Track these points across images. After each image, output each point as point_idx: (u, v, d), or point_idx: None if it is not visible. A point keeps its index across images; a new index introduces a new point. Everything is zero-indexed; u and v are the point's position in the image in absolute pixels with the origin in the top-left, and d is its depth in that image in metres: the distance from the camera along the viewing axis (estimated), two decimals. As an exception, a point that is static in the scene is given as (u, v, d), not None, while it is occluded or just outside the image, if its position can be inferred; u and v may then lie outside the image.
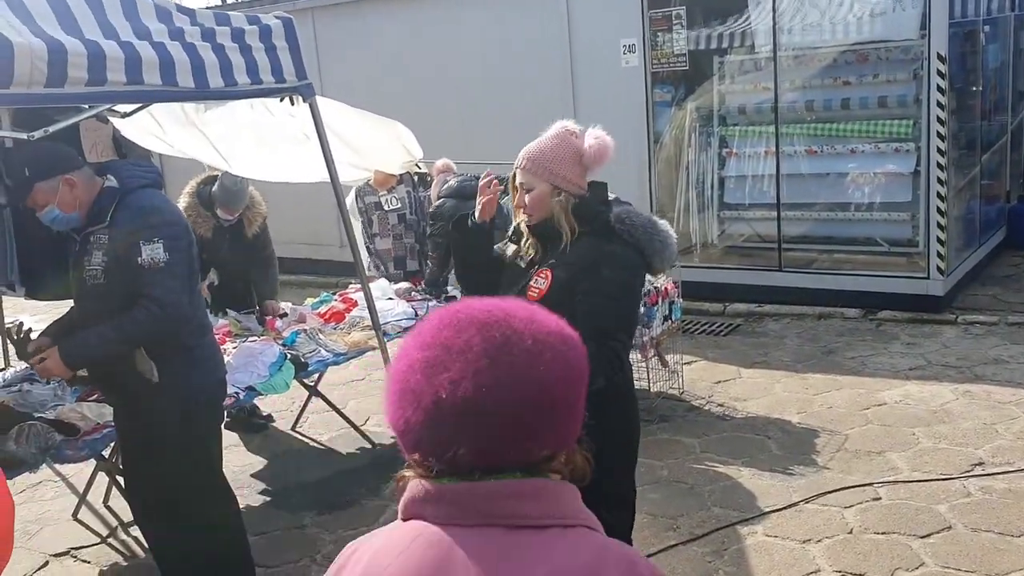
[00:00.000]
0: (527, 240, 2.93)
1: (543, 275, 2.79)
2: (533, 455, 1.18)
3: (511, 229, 2.99)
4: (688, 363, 6.34)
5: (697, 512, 4.50)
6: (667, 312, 5.75)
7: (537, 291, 2.75)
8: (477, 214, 2.99)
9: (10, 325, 3.33)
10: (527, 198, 2.82)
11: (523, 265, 2.92)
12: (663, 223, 2.84)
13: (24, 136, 3.21)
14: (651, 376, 5.84)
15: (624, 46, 7.96)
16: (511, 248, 3.02)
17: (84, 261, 3.17)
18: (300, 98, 4.28)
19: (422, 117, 6.85)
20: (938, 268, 7.08)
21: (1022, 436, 5.00)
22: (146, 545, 4.48)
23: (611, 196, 2.92)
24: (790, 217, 7.74)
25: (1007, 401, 5.47)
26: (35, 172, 3.13)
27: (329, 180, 4.61)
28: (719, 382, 6.25)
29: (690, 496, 4.66)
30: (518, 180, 2.84)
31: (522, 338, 1.18)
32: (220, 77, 3.82)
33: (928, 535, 4.07)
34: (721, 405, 5.83)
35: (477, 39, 8.55)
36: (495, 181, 2.98)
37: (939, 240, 7.02)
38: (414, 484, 1.21)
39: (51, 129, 3.26)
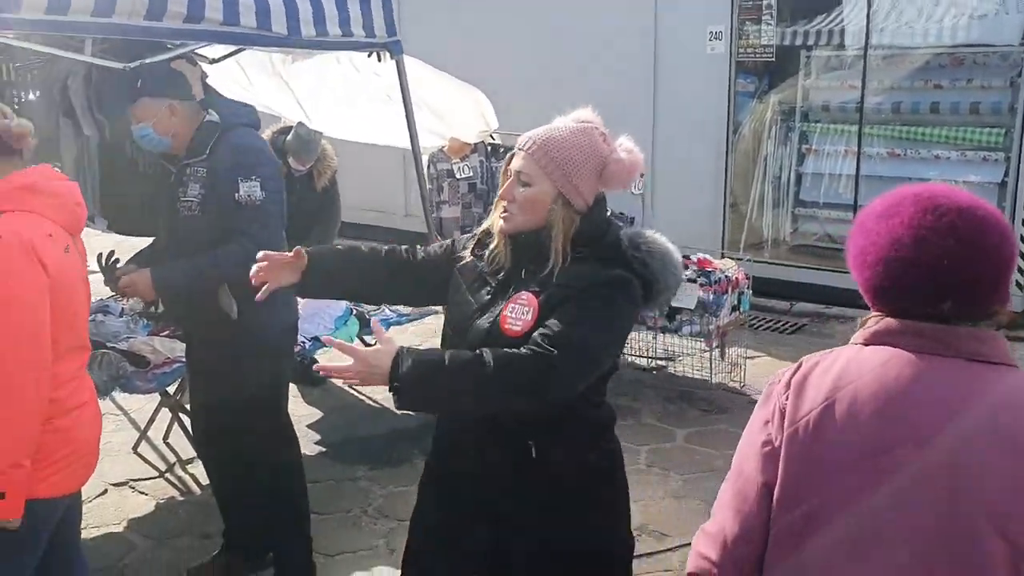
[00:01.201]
0: (496, 245, 2.22)
1: (524, 301, 2.10)
2: (991, 310, 1.55)
3: (480, 228, 2.33)
4: (751, 358, 6.24)
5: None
6: (736, 302, 5.66)
7: (520, 324, 2.06)
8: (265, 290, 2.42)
9: (100, 252, 3.39)
10: (520, 193, 2.14)
11: (487, 284, 2.21)
12: (677, 254, 2.22)
13: (119, 66, 3.26)
14: (713, 366, 5.77)
15: (710, 33, 7.83)
16: (467, 251, 2.31)
17: (180, 192, 3.22)
18: (388, 55, 4.30)
19: (500, 89, 6.80)
20: (1017, 283, 6.85)
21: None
22: (202, 483, 4.60)
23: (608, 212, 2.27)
24: (867, 220, 7.55)
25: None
26: (147, 86, 3.19)
27: (404, 144, 4.62)
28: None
29: (745, 488, 4.59)
30: (516, 166, 2.17)
31: (983, 218, 1.53)
32: (312, 26, 3.84)
33: None
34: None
35: (562, 13, 8.48)
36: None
37: (1022, 255, 6.79)
38: (889, 321, 1.58)
39: (146, 61, 3.30)
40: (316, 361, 5.88)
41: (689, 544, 4.00)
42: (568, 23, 8.41)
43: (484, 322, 2.14)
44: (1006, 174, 6.94)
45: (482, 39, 8.80)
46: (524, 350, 1.99)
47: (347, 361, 1.96)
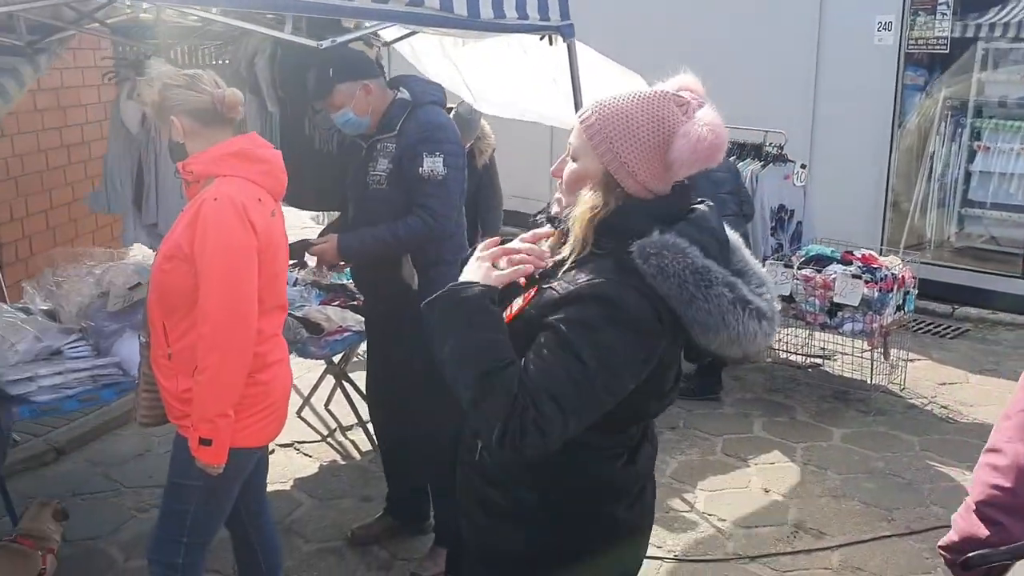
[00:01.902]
0: (554, 234, 1.92)
1: (527, 292, 1.86)
2: None
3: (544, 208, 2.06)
4: (911, 360, 5.99)
5: (915, 508, 4.26)
6: (900, 302, 5.44)
7: (508, 313, 1.84)
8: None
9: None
10: (568, 169, 1.85)
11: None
12: (728, 283, 1.71)
13: (314, 44, 3.40)
14: (873, 367, 5.57)
15: (879, 23, 7.52)
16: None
17: (369, 166, 3.36)
18: (560, 38, 4.33)
19: (655, 77, 6.74)
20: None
21: None
22: (361, 449, 4.78)
23: (696, 206, 1.84)
24: (1043, 223, 7.13)
25: None
26: (339, 73, 3.32)
27: (568, 126, 4.63)
28: (944, 384, 5.88)
29: (907, 491, 4.42)
30: (571, 138, 1.86)
31: None
32: (491, 8, 3.90)
33: None
34: (945, 407, 5.49)
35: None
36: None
37: None
38: None
39: (339, 40, 3.44)
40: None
41: (849, 544, 3.91)
42: (727, 7, 8.24)
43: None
44: None
45: (640, 26, 8.72)
46: (519, 394, 1.67)
47: None
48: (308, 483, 4.43)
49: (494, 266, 1.84)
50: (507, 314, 1.83)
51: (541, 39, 4.37)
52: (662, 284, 1.68)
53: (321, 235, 3.65)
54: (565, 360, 1.68)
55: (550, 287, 1.77)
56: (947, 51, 7.38)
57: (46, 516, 3.39)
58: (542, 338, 1.72)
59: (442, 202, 3.29)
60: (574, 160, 1.83)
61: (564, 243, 1.83)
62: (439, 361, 1.82)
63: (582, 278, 1.73)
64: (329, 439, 4.90)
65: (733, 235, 1.90)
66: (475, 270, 1.83)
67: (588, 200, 1.75)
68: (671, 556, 3.85)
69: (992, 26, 7.30)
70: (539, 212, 1.98)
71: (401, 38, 4.82)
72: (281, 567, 3.08)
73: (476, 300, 1.77)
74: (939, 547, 1.82)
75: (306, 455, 4.71)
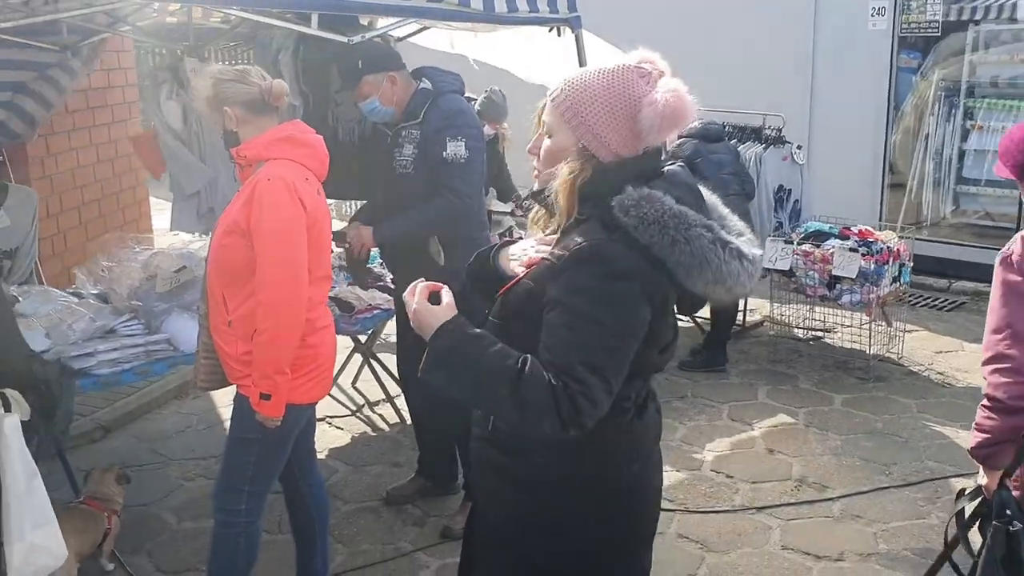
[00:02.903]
0: (536, 212, 2.10)
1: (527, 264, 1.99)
2: None
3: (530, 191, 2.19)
4: (909, 332, 6.27)
5: (911, 463, 4.55)
6: (896, 274, 5.71)
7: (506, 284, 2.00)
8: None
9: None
10: (544, 145, 1.98)
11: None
12: (705, 225, 1.83)
13: (344, 39, 3.69)
14: (872, 337, 5.84)
15: (873, 8, 7.79)
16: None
17: (395, 153, 3.64)
18: (568, 29, 4.59)
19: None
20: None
21: None
22: (389, 422, 5.07)
23: (667, 166, 1.96)
24: (1035, 197, 7.39)
25: None
26: (367, 65, 3.62)
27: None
28: (940, 352, 6.15)
29: (904, 449, 4.71)
30: (544, 116, 1.99)
31: None
32: (504, 2, 4.17)
33: None
34: (941, 373, 5.77)
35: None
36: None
37: None
38: None
39: (368, 36, 3.72)
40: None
41: (849, 495, 4.17)
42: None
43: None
44: None
45: (643, 17, 8.95)
46: (551, 378, 1.76)
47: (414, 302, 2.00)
48: (342, 452, 4.72)
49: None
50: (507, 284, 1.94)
51: (550, 31, 4.63)
52: (644, 232, 1.78)
53: (350, 222, 3.93)
54: (584, 328, 1.77)
55: (545, 257, 1.88)
56: (939, 34, 7.65)
57: (109, 480, 3.68)
58: (553, 316, 1.81)
59: (465, 183, 3.57)
60: (549, 136, 1.95)
61: (539, 219, 2.04)
62: (470, 405, 2.01)
63: (572, 244, 1.83)
64: (358, 414, 5.20)
65: (710, 195, 2.01)
66: (425, 316, 1.92)
67: (566, 170, 1.86)
68: (682, 508, 4.13)
69: (982, 8, 7.55)
70: (527, 196, 2.13)
71: (413, 34, 5.09)
72: (329, 518, 3.37)
73: (453, 335, 1.86)
74: (971, 449, 2.50)
75: (338, 428, 5.01)
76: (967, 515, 2.61)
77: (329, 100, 4.49)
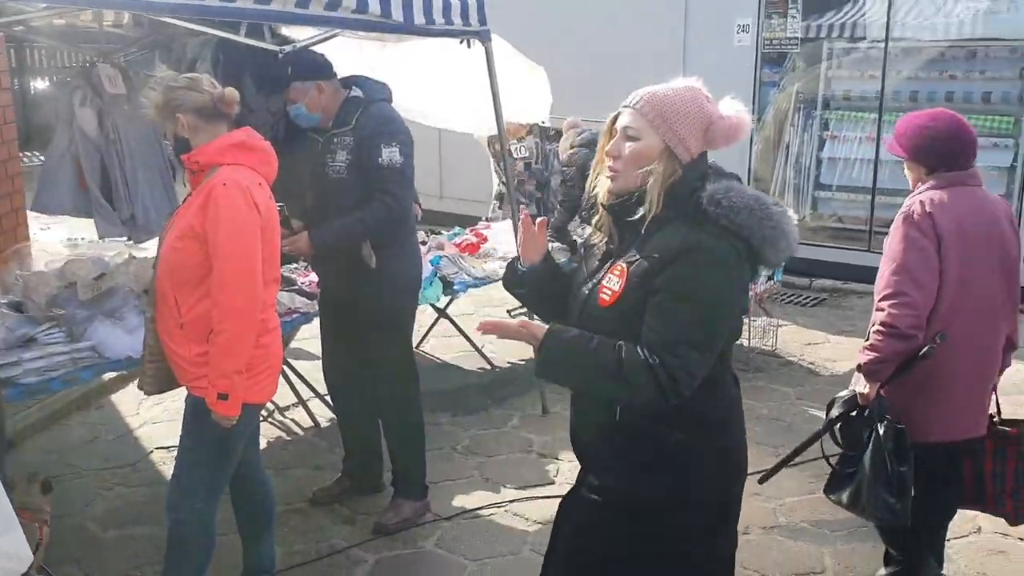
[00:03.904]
0: (599, 219, 2.30)
1: (617, 271, 2.16)
2: None
3: (584, 200, 2.54)
4: (781, 326, 6.78)
5: (795, 444, 4.95)
6: (771, 272, 6.20)
7: (610, 294, 2.15)
8: (522, 258, 2.44)
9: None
10: (627, 147, 2.17)
11: (596, 256, 2.30)
12: (776, 203, 2.16)
13: (277, 49, 3.77)
14: (750, 332, 6.30)
15: (738, 26, 8.38)
16: (588, 233, 2.43)
17: (328, 159, 3.75)
18: (478, 42, 4.80)
19: (550, 70, 7.26)
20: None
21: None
22: (303, 426, 5.13)
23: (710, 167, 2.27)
24: (884, 202, 8.11)
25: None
26: (296, 72, 3.72)
27: (480, 130, 5.08)
28: (809, 344, 6.70)
29: (790, 432, 5.14)
30: (623, 122, 2.19)
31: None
32: (423, 15, 4.35)
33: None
34: (812, 363, 6.29)
35: (600, 5, 8.97)
36: (541, 220, 2.42)
37: (1029, 233, 7.36)
38: (956, 174, 3.13)
39: (298, 44, 3.81)
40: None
41: (754, 472, 4.48)
42: (607, 14, 8.91)
43: (585, 290, 2.24)
44: (1015, 159, 7.51)
45: (535, 30, 9.23)
46: (650, 357, 2.02)
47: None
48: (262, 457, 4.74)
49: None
50: (610, 294, 2.14)
51: (461, 42, 4.83)
52: (736, 217, 2.07)
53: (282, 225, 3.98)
54: (685, 310, 2.04)
55: (642, 257, 2.12)
56: (798, 50, 8.30)
57: (35, 490, 3.58)
58: (659, 301, 2.06)
59: (401, 187, 3.73)
60: (635, 140, 2.16)
61: (603, 225, 2.27)
62: (584, 392, 2.28)
63: (669, 241, 2.08)
64: (270, 420, 5.22)
65: None
66: (529, 330, 2.14)
67: (662, 171, 2.13)
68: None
69: (839, 27, 8.25)
70: (583, 209, 2.34)
71: (319, 41, 5.17)
72: (275, 515, 3.44)
73: (558, 341, 2.11)
74: (862, 365, 3.11)
75: (253, 433, 5.01)
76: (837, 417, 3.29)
77: (243, 107, 4.51)
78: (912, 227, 3.08)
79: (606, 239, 2.28)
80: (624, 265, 2.15)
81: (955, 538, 3.91)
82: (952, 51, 7.80)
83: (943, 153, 3.14)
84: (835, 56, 8.38)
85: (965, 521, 4.04)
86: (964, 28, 7.64)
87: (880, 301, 3.09)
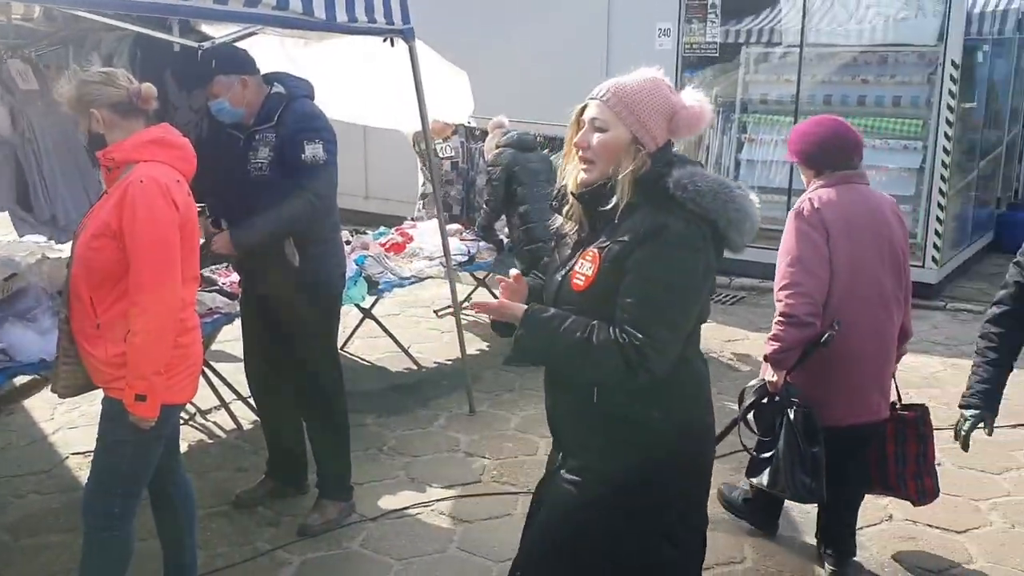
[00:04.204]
0: (570, 208, 2.35)
1: (589, 257, 2.23)
2: None
3: (555, 191, 2.41)
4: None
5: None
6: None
7: (583, 279, 2.22)
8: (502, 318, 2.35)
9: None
10: (595, 138, 2.23)
11: (568, 245, 2.38)
12: (739, 187, 2.22)
13: (194, 45, 3.71)
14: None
15: (659, 30, 8.53)
16: (559, 223, 2.44)
17: (250, 155, 3.69)
18: (402, 40, 4.79)
19: (478, 74, 7.28)
20: (933, 259, 7.72)
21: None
22: (225, 428, 5.04)
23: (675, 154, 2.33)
24: (800, 202, 8.34)
25: (989, 375, 6.12)
26: (220, 65, 3.67)
27: (405, 127, 5.07)
28: (729, 341, 6.86)
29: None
30: (590, 114, 2.25)
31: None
32: (345, 12, 4.32)
33: (920, 468, 4.69)
34: (731, 359, 6.44)
35: (523, 9, 9.05)
36: (516, 274, 2.43)
37: (937, 233, 7.66)
38: (844, 173, 3.42)
39: (217, 40, 3.75)
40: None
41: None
42: (532, 20, 8.99)
43: (558, 277, 2.33)
44: (923, 160, 7.80)
45: (461, 33, 9.25)
46: (619, 335, 2.10)
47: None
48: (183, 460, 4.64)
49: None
50: (583, 279, 2.22)
51: (384, 40, 4.81)
52: (702, 200, 2.14)
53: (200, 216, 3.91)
54: (655, 290, 2.12)
55: (612, 242, 2.18)
56: (717, 55, 8.49)
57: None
58: (628, 281, 2.14)
59: (324, 183, 3.70)
60: (602, 131, 2.22)
61: (574, 214, 2.33)
62: (558, 370, 2.35)
63: (638, 225, 2.15)
64: (191, 422, 5.12)
65: None
66: (508, 308, 2.27)
67: (631, 161, 2.20)
68: (526, 490, 4.42)
69: (756, 32, 8.47)
70: (554, 197, 2.39)
71: (240, 37, 5.10)
72: (196, 518, 3.38)
73: (532, 323, 2.20)
74: (768, 355, 3.37)
75: (173, 437, 4.91)
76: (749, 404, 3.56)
77: (167, 104, 4.44)
78: (803, 222, 3.35)
79: (576, 228, 2.35)
80: (596, 251, 2.22)
81: (867, 526, 4.05)
82: (864, 56, 8.06)
83: (827, 155, 3.43)
84: (753, 61, 8.59)
85: (877, 509, 4.19)
86: (876, 34, 7.91)
87: (778, 292, 3.37)
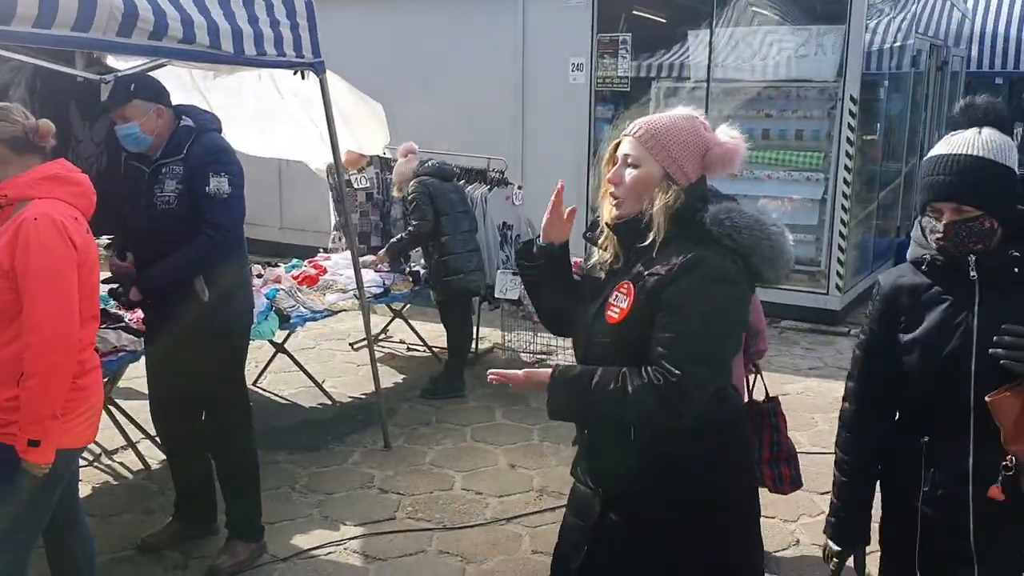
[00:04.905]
0: (604, 239, 2.34)
1: (624, 290, 2.20)
2: None
3: (589, 222, 2.42)
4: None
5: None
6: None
7: (618, 311, 2.19)
8: (542, 235, 2.47)
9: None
10: (628, 175, 2.23)
11: (602, 274, 2.35)
12: (774, 224, 2.22)
13: (96, 77, 3.63)
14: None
15: (572, 64, 8.69)
16: (596, 255, 2.41)
17: (156, 188, 3.62)
18: (312, 73, 4.78)
19: (396, 107, 7.27)
20: (837, 286, 7.99)
21: (903, 425, 5.84)
22: (132, 469, 4.90)
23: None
24: (710, 232, 8.54)
25: (891, 398, 6.34)
26: (139, 90, 3.61)
27: (316, 160, 5.07)
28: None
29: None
30: (624, 150, 2.27)
31: None
32: (253, 46, 4.28)
33: (826, 492, 4.80)
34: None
35: (441, 43, 9.12)
36: (573, 208, 2.43)
37: (839, 261, 7.94)
38: None
39: (119, 73, 3.68)
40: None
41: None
42: (447, 53, 9.08)
43: (592, 309, 2.27)
44: (825, 191, 8.08)
45: (370, 64, 9.26)
46: (654, 375, 2.06)
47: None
48: (86, 504, 4.41)
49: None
50: (618, 312, 2.18)
51: (295, 74, 4.79)
52: (738, 236, 2.14)
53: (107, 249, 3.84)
54: (692, 326, 2.09)
55: (649, 274, 2.16)
56: (628, 89, 8.68)
57: None
58: (663, 316, 2.11)
59: (228, 218, 3.65)
60: (635, 167, 2.22)
61: (608, 246, 2.31)
62: (601, 424, 2.27)
63: (674, 259, 2.13)
64: (96, 464, 4.95)
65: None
66: (534, 377, 2.25)
67: (665, 199, 2.19)
68: (440, 526, 4.40)
69: (666, 67, 8.69)
70: (587, 229, 2.40)
71: (150, 68, 5.01)
72: (96, 568, 3.26)
73: (562, 387, 2.17)
74: None
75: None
76: None
77: (69, 137, 4.33)
78: None
79: (610, 259, 2.31)
80: (630, 283, 2.19)
81: (775, 551, 4.14)
82: (768, 91, 8.34)
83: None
84: (663, 95, 8.80)
85: (785, 535, 4.29)
86: (779, 70, 8.20)
87: None
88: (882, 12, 8.47)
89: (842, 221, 7.88)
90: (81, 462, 4.88)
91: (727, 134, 2.29)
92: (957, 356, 2.22)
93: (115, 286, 3.79)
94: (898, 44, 9.04)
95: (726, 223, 2.16)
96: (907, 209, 10.53)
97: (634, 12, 8.71)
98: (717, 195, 2.28)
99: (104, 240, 4.52)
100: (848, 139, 7.72)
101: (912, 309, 2.33)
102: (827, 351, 7.43)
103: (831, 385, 6.53)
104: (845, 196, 7.83)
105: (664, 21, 8.96)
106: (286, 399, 6.16)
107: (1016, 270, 2.19)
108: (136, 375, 5.29)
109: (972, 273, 2.22)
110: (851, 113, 7.66)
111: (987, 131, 2.24)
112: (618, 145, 2.30)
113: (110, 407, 4.94)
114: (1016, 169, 2.23)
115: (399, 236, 6.22)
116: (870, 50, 8.10)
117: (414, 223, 5.99)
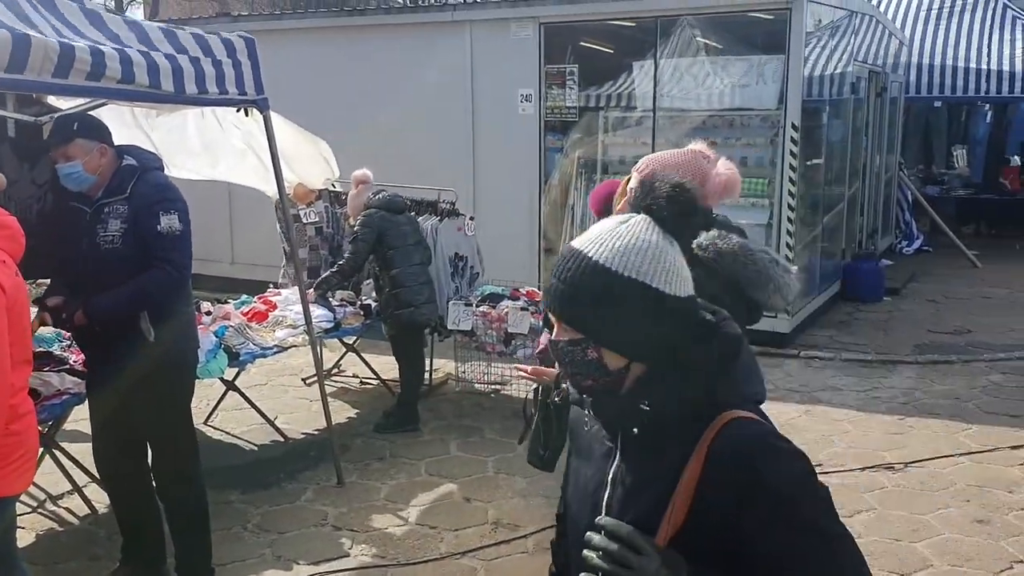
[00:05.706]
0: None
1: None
2: None
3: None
4: (572, 379, 7.04)
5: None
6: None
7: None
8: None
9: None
10: None
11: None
12: (764, 251, 2.34)
13: (31, 119, 3.60)
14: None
15: (521, 95, 8.78)
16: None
17: (99, 228, 3.58)
18: (256, 110, 4.78)
19: (339, 146, 7.30)
20: (785, 310, 8.10)
21: (852, 445, 5.92)
22: (78, 514, 4.80)
23: (718, 216, 2.54)
24: (661, 258, 8.64)
25: (840, 419, 6.43)
26: (82, 129, 3.59)
27: (262, 189, 5.07)
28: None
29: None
30: (632, 184, 2.49)
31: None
32: (195, 84, 4.28)
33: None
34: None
35: (390, 75, 9.17)
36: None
37: (789, 284, 8.05)
38: None
39: (56, 115, 3.66)
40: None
41: (540, 531, 4.65)
42: (397, 85, 9.12)
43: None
44: (771, 216, 8.22)
45: (328, 106, 9.26)
46: None
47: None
48: (29, 552, 4.36)
49: None
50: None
51: (238, 111, 4.79)
52: (721, 261, 2.27)
53: (47, 293, 3.78)
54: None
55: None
56: (577, 119, 8.79)
57: None
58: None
59: (182, 254, 3.65)
60: None
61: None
62: None
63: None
64: (40, 509, 4.85)
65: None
66: None
67: None
68: (395, 563, 4.37)
69: (613, 97, 8.82)
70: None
71: (89, 108, 4.98)
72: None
73: None
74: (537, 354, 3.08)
75: (20, 527, 4.60)
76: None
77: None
78: None
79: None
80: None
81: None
82: (712, 120, 8.49)
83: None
84: (611, 125, 8.92)
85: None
86: (724, 99, 8.36)
87: None
88: (820, 41, 8.69)
89: (788, 245, 8.01)
90: (24, 508, 4.81)
91: (724, 166, 2.51)
92: None
93: (57, 301, 3.71)
94: (838, 71, 9.27)
95: (710, 248, 2.31)
96: (852, 232, 10.76)
97: (580, 43, 8.84)
98: (726, 226, 2.43)
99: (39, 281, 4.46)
100: (791, 165, 7.88)
101: None
102: (777, 374, 7.52)
103: (781, 408, 6.60)
104: (790, 220, 7.98)
105: (610, 52, 9.11)
106: (238, 437, 6.08)
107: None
108: (81, 417, 5.18)
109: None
110: (793, 140, 7.82)
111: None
112: (628, 180, 2.55)
113: (55, 451, 4.85)
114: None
115: (328, 272, 6.14)
116: (810, 77, 8.30)
117: (344, 257, 5.94)
